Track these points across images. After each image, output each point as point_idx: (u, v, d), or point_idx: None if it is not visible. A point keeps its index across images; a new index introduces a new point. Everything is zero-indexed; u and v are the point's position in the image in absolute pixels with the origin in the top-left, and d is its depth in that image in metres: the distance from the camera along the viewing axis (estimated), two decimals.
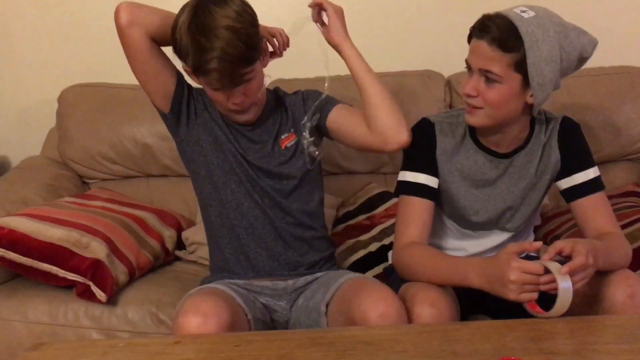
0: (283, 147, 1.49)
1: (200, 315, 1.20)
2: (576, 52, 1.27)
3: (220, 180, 1.46)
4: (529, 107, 1.33)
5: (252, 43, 1.33)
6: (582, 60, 1.31)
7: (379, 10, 2.23)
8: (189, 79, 1.47)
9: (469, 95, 1.31)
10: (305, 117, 1.47)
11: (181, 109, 1.46)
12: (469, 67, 1.32)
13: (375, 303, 1.22)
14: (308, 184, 1.52)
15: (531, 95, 1.29)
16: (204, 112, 1.48)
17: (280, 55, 1.51)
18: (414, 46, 2.20)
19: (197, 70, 1.34)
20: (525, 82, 1.27)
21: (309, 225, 1.50)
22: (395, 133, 1.40)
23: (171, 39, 1.35)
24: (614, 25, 2.17)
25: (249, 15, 1.34)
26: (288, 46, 1.51)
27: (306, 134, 1.46)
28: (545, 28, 1.24)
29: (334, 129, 1.49)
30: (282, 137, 1.49)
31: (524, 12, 1.25)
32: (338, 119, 1.48)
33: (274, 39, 1.49)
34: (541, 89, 1.27)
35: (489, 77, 1.27)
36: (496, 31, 1.24)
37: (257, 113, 1.45)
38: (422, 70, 2.10)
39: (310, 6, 1.44)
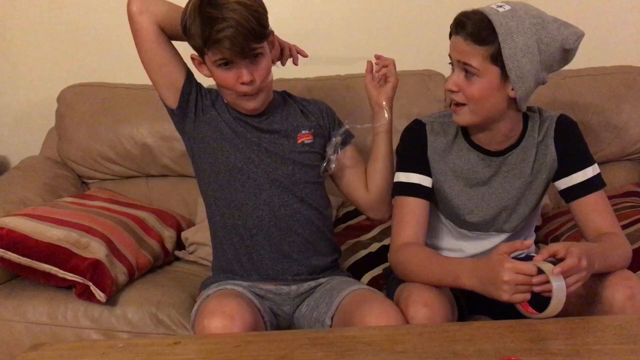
0: (299, 141, 1.50)
1: (227, 317, 1.21)
2: (556, 43, 1.27)
3: (225, 178, 1.46)
4: (514, 102, 1.33)
5: (263, 21, 1.37)
6: (566, 52, 1.30)
7: (379, 10, 2.23)
8: (197, 77, 1.49)
9: (451, 91, 1.33)
10: (337, 133, 1.51)
11: (189, 105, 1.47)
12: (451, 63, 1.34)
13: (377, 318, 1.23)
14: (323, 188, 1.55)
15: (512, 89, 1.29)
16: (210, 109, 1.49)
17: (283, 64, 1.54)
18: (414, 46, 2.20)
19: (207, 42, 1.34)
20: (504, 75, 1.28)
21: (318, 225, 1.50)
22: (387, 210, 1.57)
23: (181, 22, 1.38)
24: (614, 25, 2.17)
25: None
26: (296, 63, 1.55)
27: (330, 148, 1.50)
28: (521, 20, 1.25)
29: (340, 163, 1.54)
30: (302, 132, 1.51)
31: (500, 6, 1.27)
32: (348, 158, 1.55)
33: (284, 50, 1.53)
34: (520, 81, 1.27)
35: (468, 71, 1.29)
36: (471, 26, 1.26)
37: (264, 102, 1.45)
38: (422, 70, 2.10)
39: (383, 64, 1.51)
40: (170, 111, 1.49)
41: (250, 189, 1.45)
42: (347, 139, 1.55)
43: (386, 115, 1.51)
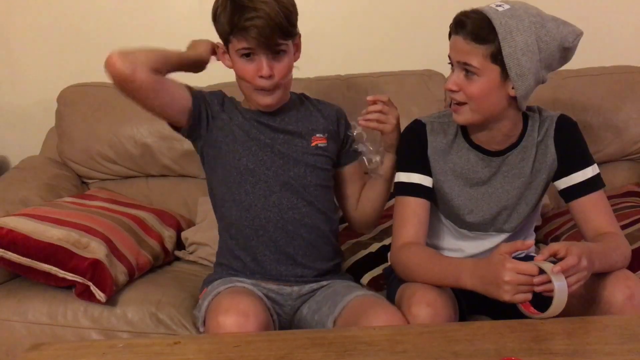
0: (313, 144, 1.50)
1: (242, 315, 1.21)
2: (555, 42, 1.28)
3: (235, 180, 1.46)
4: (514, 101, 1.33)
5: (292, 19, 1.39)
6: (565, 50, 1.30)
7: (379, 10, 2.23)
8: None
9: (451, 91, 1.33)
10: (364, 145, 1.52)
11: (200, 118, 1.46)
12: (451, 63, 1.34)
13: (384, 324, 1.22)
14: (332, 192, 1.55)
15: (513, 88, 1.29)
16: (221, 113, 1.48)
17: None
18: (414, 46, 2.20)
19: (234, 29, 1.35)
20: (504, 74, 1.28)
21: (324, 230, 1.49)
22: (368, 229, 1.68)
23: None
24: (614, 25, 2.17)
25: None
26: None
27: (364, 147, 1.51)
28: (520, 19, 1.26)
29: (342, 174, 1.57)
30: (316, 135, 1.51)
31: (499, 6, 1.28)
32: (351, 173, 1.57)
33: None
34: (521, 79, 1.28)
35: (468, 70, 1.30)
36: (470, 26, 1.27)
37: (279, 100, 1.46)
38: (422, 70, 2.10)
39: (387, 104, 1.45)
40: (182, 130, 1.47)
41: (261, 190, 1.45)
42: (354, 155, 1.55)
43: (389, 158, 1.51)
